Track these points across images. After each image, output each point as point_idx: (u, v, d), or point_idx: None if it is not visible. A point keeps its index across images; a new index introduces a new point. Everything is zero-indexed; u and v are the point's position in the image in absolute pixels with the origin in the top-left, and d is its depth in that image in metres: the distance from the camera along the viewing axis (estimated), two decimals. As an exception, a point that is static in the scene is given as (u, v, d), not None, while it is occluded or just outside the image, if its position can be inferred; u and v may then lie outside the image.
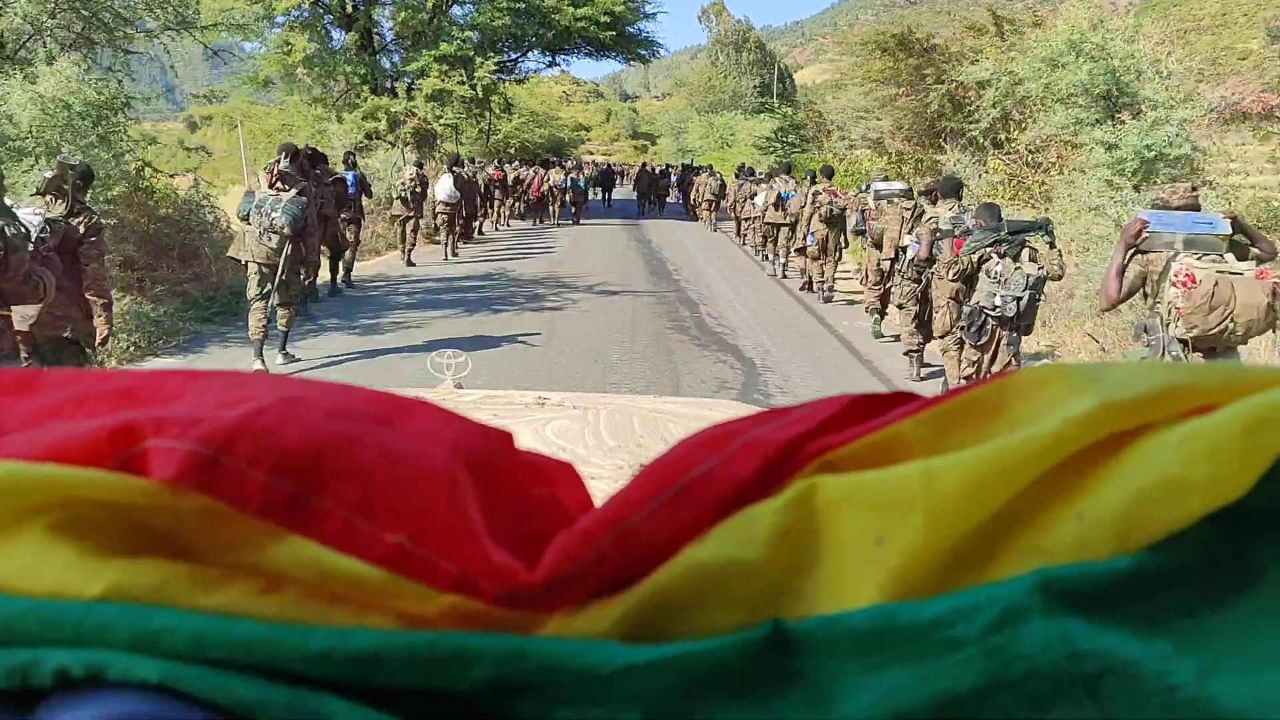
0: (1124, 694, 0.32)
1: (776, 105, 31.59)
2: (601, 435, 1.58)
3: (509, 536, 0.39)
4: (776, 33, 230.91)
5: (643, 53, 29.17)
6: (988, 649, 0.33)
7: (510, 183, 24.30)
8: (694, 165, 35.64)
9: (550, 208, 25.72)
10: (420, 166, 15.48)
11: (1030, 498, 0.36)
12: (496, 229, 22.83)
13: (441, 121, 23.89)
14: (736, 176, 20.82)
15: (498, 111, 31.02)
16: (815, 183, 11.98)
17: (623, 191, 43.77)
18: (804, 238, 11.86)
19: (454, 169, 16.76)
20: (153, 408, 0.40)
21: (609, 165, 40.18)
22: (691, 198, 28.96)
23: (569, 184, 25.47)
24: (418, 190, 14.15)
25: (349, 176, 11.41)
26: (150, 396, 0.42)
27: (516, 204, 25.63)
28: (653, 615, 0.36)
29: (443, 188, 16.29)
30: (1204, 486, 0.33)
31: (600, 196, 35.57)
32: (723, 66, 69.74)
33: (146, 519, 0.37)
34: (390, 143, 23.81)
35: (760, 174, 21.09)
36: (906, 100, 18.43)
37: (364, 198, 12.11)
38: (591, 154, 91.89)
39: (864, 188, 10.20)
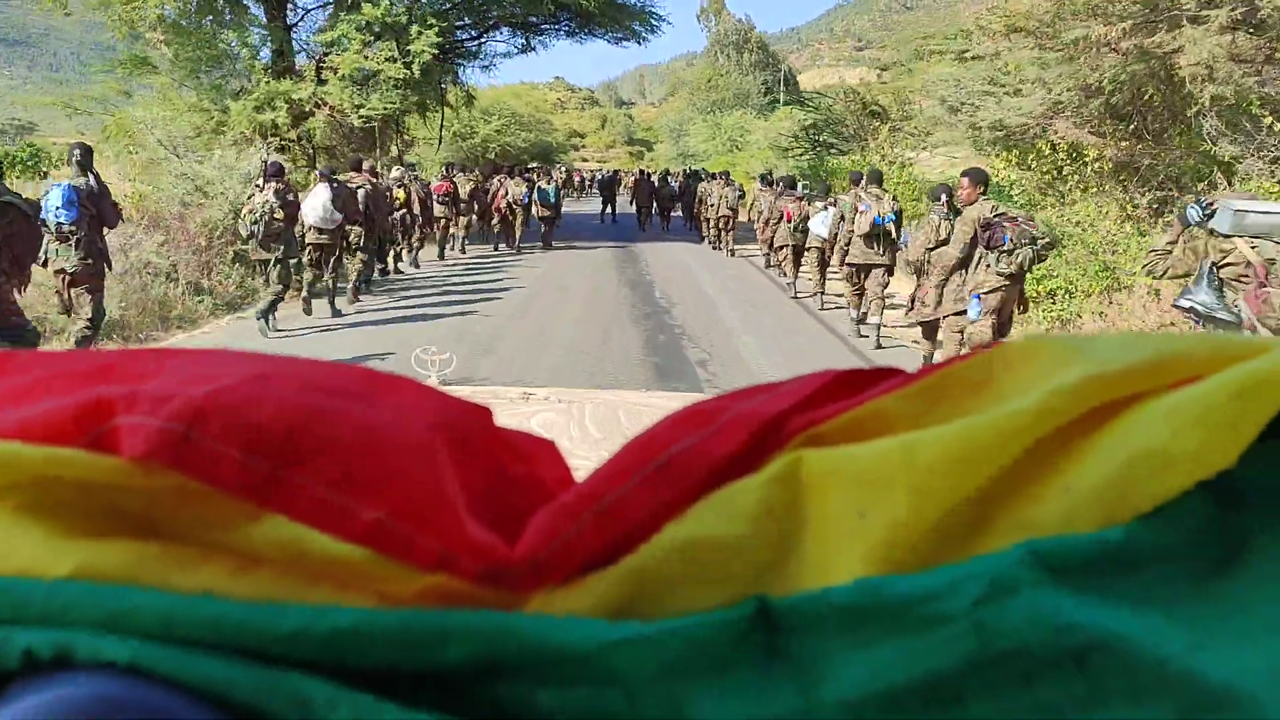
0: (1113, 667, 0.31)
1: (809, 98, 24.83)
2: (587, 427, 1.59)
3: (489, 513, 0.38)
4: (772, 39, 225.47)
5: (637, 27, 22.28)
6: (975, 623, 0.32)
7: (468, 196, 17.59)
8: (697, 171, 28.81)
9: (513, 229, 19.13)
10: (280, 179, 8.87)
11: (1016, 471, 0.35)
12: (444, 256, 16.67)
13: (364, 112, 16.99)
14: (762, 187, 16.24)
15: (455, 104, 24.35)
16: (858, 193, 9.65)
17: (621, 202, 37.39)
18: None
19: (331, 180, 10.33)
20: (123, 385, 0.38)
21: (614, 173, 33.11)
22: (698, 211, 22.40)
23: (532, 197, 18.89)
24: (277, 219, 8.92)
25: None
26: (120, 375, 0.40)
27: (480, 224, 19.37)
28: (635, 593, 0.35)
29: (311, 208, 9.64)
30: (1192, 456, 0.33)
31: (603, 210, 29.23)
32: (723, 67, 62.93)
33: (117, 498, 0.36)
34: (288, 142, 17.04)
35: (799, 187, 14.53)
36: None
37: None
38: (586, 160, 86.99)
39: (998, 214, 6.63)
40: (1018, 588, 0.32)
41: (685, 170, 32.67)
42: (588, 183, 52.03)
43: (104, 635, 0.32)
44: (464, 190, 17.77)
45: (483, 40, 23.54)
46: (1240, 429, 0.33)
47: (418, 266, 14.92)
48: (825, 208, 11.44)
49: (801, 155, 26.17)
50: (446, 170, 17.71)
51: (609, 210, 29.23)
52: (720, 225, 19.40)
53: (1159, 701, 0.31)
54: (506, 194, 19.11)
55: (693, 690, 0.33)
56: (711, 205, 20.08)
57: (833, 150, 24.51)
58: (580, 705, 0.33)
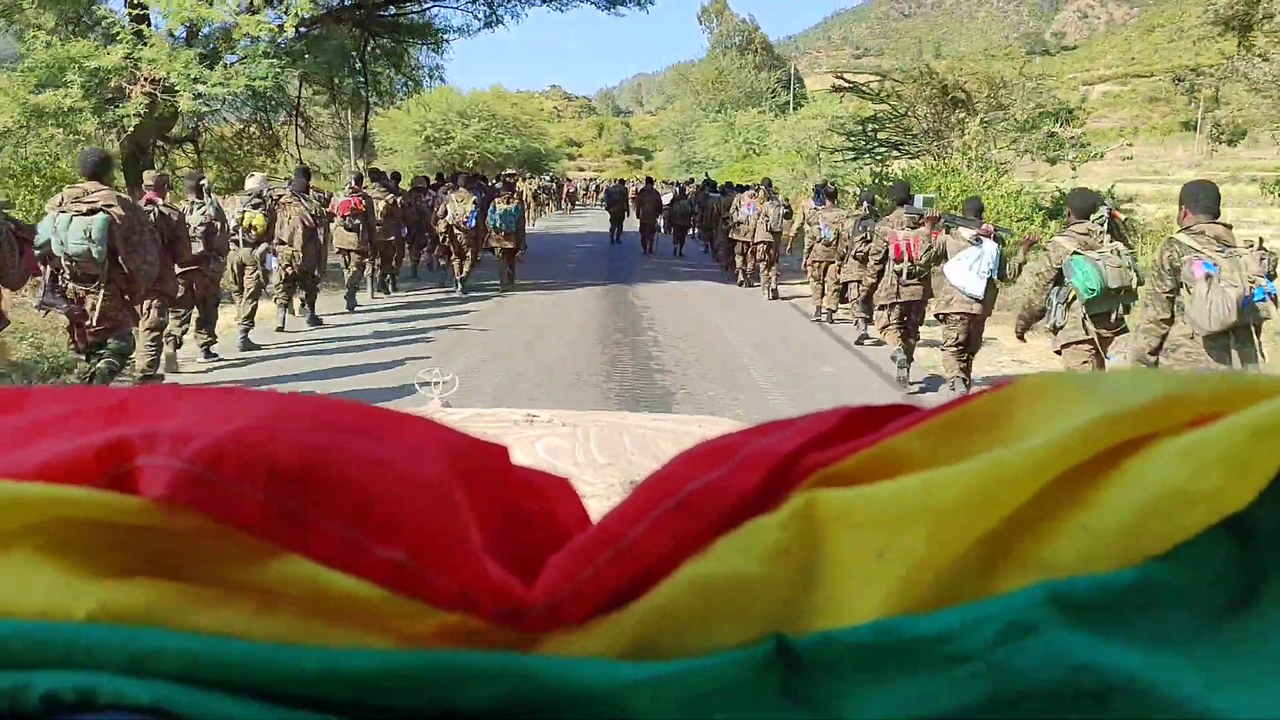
0: (1132, 708, 0.31)
1: (864, 85, 18.40)
2: (592, 452, 1.51)
3: (505, 551, 0.37)
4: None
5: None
6: (992, 663, 0.32)
7: (384, 215, 11.58)
8: (712, 182, 22.36)
9: (458, 261, 12.92)
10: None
11: (1032, 510, 0.35)
12: (354, 304, 11.30)
13: (205, 90, 10.57)
14: (818, 203, 11.46)
15: (389, 90, 18.03)
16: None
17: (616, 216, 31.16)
18: None
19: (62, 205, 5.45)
20: (142, 424, 0.38)
21: (620, 183, 26.46)
22: (720, 234, 16.21)
23: (481, 221, 12.97)
24: None
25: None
26: (139, 413, 0.40)
27: (421, 254, 14.18)
28: (653, 632, 0.35)
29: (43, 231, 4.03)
30: (1211, 495, 0.33)
31: (611, 229, 23.09)
32: (729, 68, 56.51)
33: (137, 538, 0.35)
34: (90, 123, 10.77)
35: (922, 202, 8.35)
36: None
37: None
38: (582, 170, 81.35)
39: None
40: (1035, 628, 0.32)
41: (702, 180, 26.33)
42: (582, 194, 45.48)
43: (127, 677, 0.31)
44: (381, 208, 11.57)
45: (429, 6, 17.13)
46: (1260, 468, 0.33)
47: (318, 322, 10.00)
48: (977, 241, 6.50)
49: (853, 158, 19.69)
50: (355, 183, 11.38)
51: (617, 230, 23.22)
52: (757, 255, 13.50)
53: None
54: (446, 214, 12.85)
55: None
56: (741, 226, 14.17)
57: (899, 150, 18.11)
58: None
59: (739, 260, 14.53)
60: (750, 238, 13.71)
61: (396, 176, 13.80)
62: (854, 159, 19.58)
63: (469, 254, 13.25)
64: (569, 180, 43.12)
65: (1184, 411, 0.34)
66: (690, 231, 20.75)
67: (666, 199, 22.02)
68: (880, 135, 18.56)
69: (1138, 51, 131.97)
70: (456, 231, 13.30)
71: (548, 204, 33.83)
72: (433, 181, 16.48)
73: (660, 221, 21.49)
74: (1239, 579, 0.34)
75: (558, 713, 0.32)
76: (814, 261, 11.37)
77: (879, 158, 18.65)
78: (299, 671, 0.32)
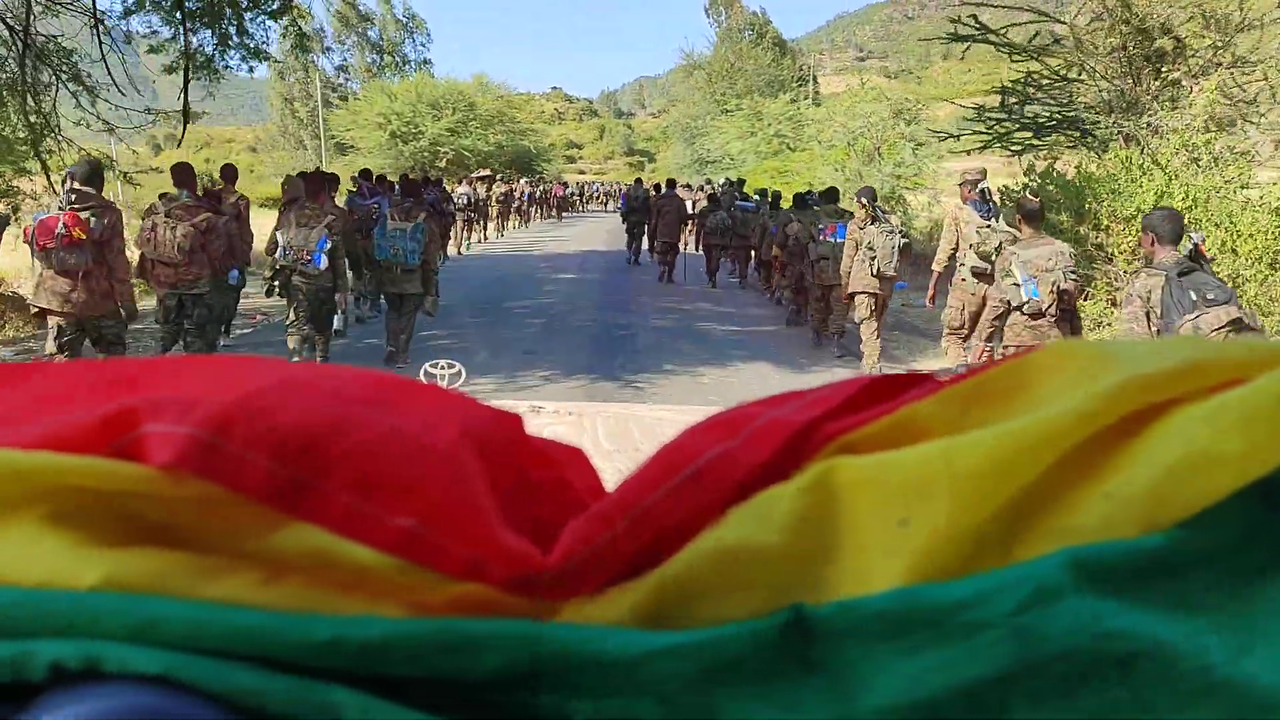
0: (1156, 675, 0.30)
1: (997, 33, 11.86)
2: (599, 440, 1.47)
3: (520, 520, 0.36)
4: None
5: None
6: (1016, 630, 0.31)
7: (97, 240, 5.60)
8: (737, 182, 15.62)
9: (294, 327, 6.54)
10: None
11: (1055, 476, 0.34)
12: None
13: None
14: (984, 210, 6.70)
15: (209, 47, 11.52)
16: None
17: (606, 230, 24.36)
18: None
19: None
20: (148, 393, 0.37)
21: (640, 185, 18.31)
22: (773, 261, 11.15)
23: (332, 255, 6.90)
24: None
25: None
26: (146, 383, 0.39)
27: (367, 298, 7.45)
28: (670, 602, 0.34)
29: None
30: (1237, 459, 0.32)
31: (629, 244, 16.65)
32: (742, 59, 49.62)
33: (144, 507, 0.35)
34: None
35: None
36: None
37: None
38: (583, 173, 75.32)
39: None
40: (1059, 594, 0.31)
41: (721, 184, 19.50)
42: (577, 199, 38.57)
43: (132, 646, 0.31)
44: (177, 236, 6.79)
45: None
46: None
47: None
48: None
49: (980, 147, 12.82)
50: (71, 184, 4.73)
51: (637, 245, 16.84)
52: (859, 312, 8.33)
53: (1204, 708, 0.30)
54: (277, 248, 6.34)
55: (728, 700, 0.31)
56: (824, 264, 9.05)
57: (1064, 133, 11.24)
58: (614, 715, 0.32)
59: (814, 311, 9.30)
60: (833, 280, 8.70)
61: (368, 175, 10.77)
62: (982, 148, 12.71)
63: (320, 312, 7.23)
64: (558, 183, 36.14)
65: (1207, 377, 0.33)
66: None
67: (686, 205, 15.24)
68: (1031, 110, 11.71)
69: None
70: (296, 278, 6.80)
71: (518, 213, 26.91)
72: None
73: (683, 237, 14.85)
74: (1266, 544, 0.33)
75: (573, 682, 0.31)
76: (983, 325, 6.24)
77: (1018, 146, 11.81)
78: (308, 640, 0.31)
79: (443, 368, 2.30)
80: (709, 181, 25.58)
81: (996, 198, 7.32)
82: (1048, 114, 11.62)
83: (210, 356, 0.41)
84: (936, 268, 7.05)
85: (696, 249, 15.27)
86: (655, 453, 0.38)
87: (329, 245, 7.19)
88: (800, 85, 43.62)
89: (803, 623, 0.32)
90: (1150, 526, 0.32)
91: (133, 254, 6.90)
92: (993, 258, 6.68)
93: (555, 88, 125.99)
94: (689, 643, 0.32)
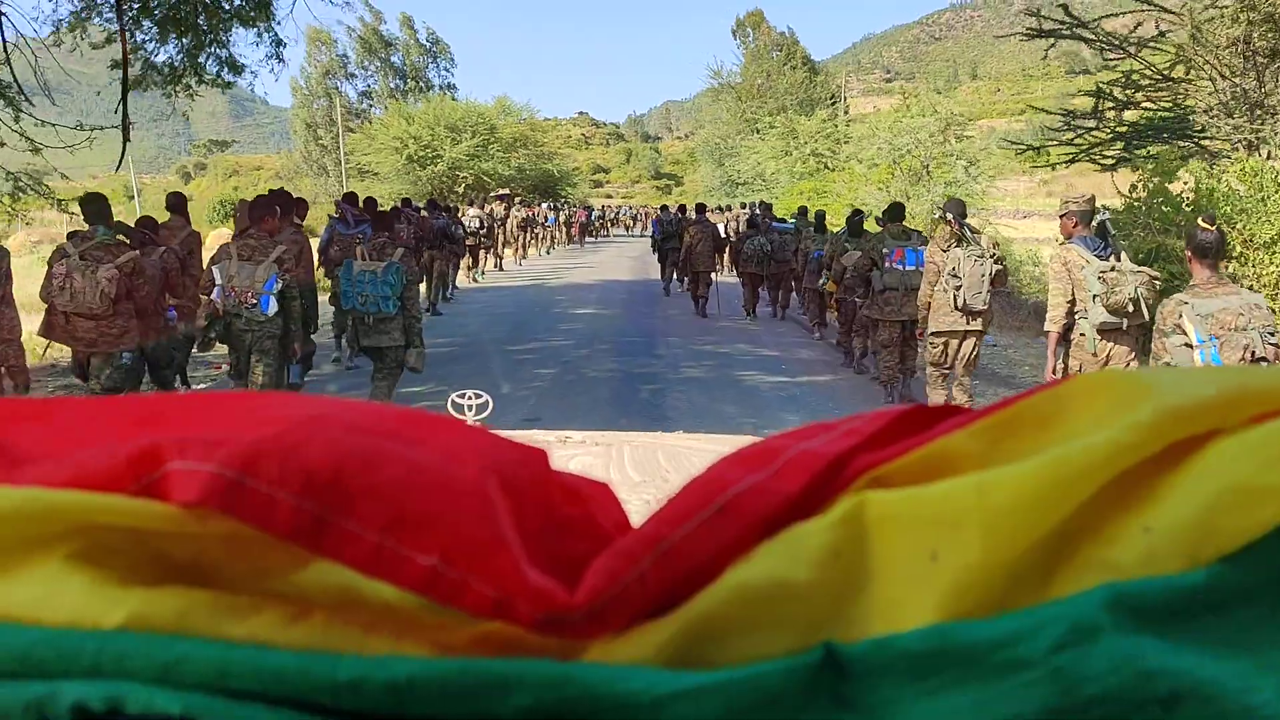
0: (1201, 715, 0.30)
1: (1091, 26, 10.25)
2: (626, 470, 1.45)
3: (545, 557, 0.36)
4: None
5: None
6: (1054, 669, 0.30)
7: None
8: (765, 207, 13.94)
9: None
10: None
11: (1092, 510, 0.33)
12: None
13: None
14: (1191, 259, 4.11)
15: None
16: None
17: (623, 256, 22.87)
18: None
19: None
20: (174, 431, 0.36)
21: (667, 210, 17.06)
22: (843, 306, 8.98)
23: (281, 300, 5.38)
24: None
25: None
26: (171, 420, 0.39)
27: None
28: (698, 640, 0.33)
29: None
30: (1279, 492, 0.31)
31: (663, 271, 15.64)
32: (770, 80, 48.03)
33: (169, 545, 0.35)
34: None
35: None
36: None
37: None
38: (610, 197, 74.01)
39: None
40: (1099, 632, 0.30)
41: (750, 207, 17.83)
42: (599, 224, 37.06)
43: (156, 687, 0.31)
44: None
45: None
46: None
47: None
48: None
49: (1068, 161, 11.02)
50: None
51: (672, 273, 15.30)
52: (943, 357, 6.64)
53: None
54: (214, 287, 4.62)
55: None
56: (889, 295, 7.51)
57: (1176, 145, 9.42)
58: None
59: (882, 357, 7.73)
60: (902, 315, 7.30)
61: (353, 199, 8.91)
62: (1070, 161, 10.90)
63: (272, 366, 5.69)
64: (581, 208, 34.55)
65: (1246, 407, 0.32)
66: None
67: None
68: (1130, 116, 9.91)
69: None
70: (239, 324, 5.33)
71: (540, 239, 25.38)
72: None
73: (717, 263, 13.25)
74: None
75: None
76: None
77: (1110, 159, 10.01)
78: (332, 680, 0.31)
79: (470, 398, 2.21)
80: (743, 205, 24.02)
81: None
82: (1147, 120, 9.83)
83: (235, 393, 0.38)
84: (1052, 327, 5.17)
85: (732, 273, 13.67)
86: (683, 486, 0.37)
87: (278, 285, 5.63)
88: (833, 104, 41.88)
89: (834, 661, 0.31)
90: (1192, 562, 0.31)
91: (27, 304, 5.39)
92: (1128, 309, 4.97)
93: (582, 112, 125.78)
94: (718, 682, 0.31)
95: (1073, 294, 5.20)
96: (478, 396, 2.22)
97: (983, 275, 6.58)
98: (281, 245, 5.83)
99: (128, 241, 5.73)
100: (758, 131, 33.57)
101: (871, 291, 7.72)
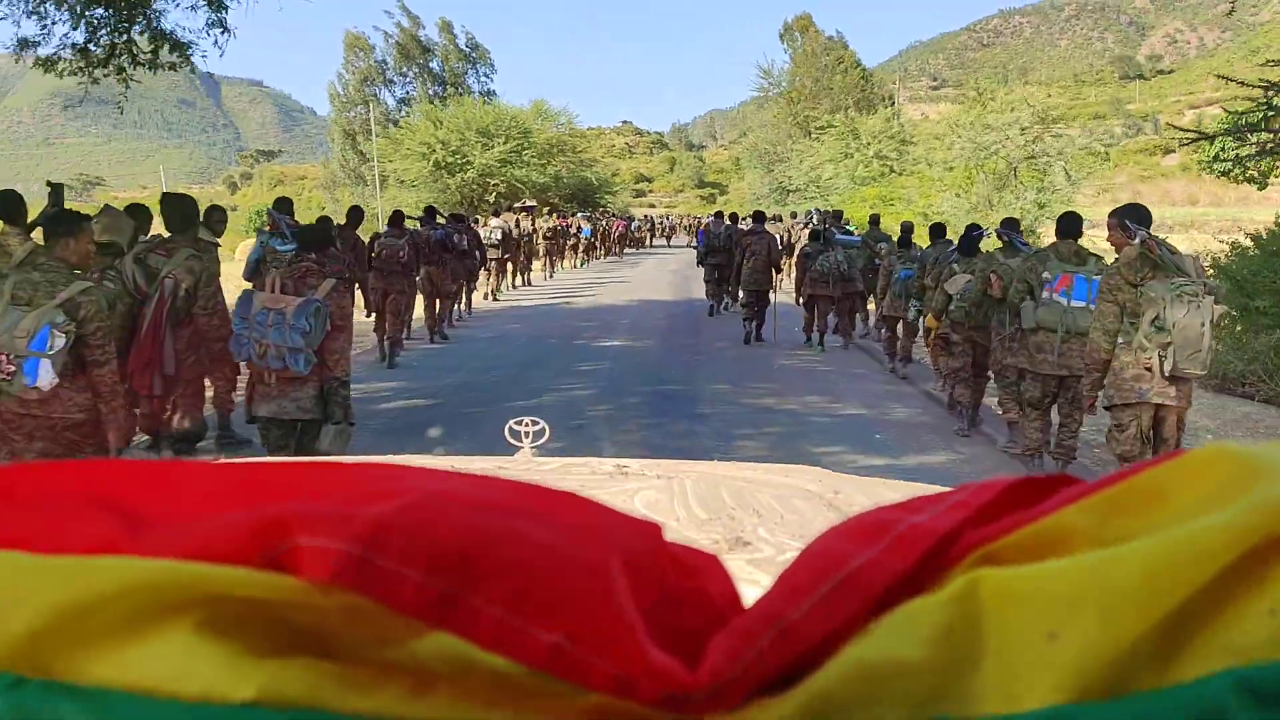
0: None
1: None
2: (691, 506, 1.37)
3: (663, 634, 0.36)
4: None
5: None
6: None
7: None
8: (832, 216, 11.42)
9: None
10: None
11: (1214, 592, 0.32)
12: None
13: None
14: None
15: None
16: None
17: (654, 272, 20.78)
18: None
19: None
20: (299, 502, 0.37)
21: (719, 219, 13.72)
22: (956, 349, 6.56)
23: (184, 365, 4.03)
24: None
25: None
26: (294, 490, 0.39)
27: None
28: (815, 717, 0.33)
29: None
30: None
31: (711, 288, 13.62)
32: (821, 84, 45.24)
33: (294, 616, 0.35)
34: None
35: None
36: None
37: None
38: (654, 206, 72.02)
39: None
40: (1225, 717, 0.30)
41: (809, 215, 15.36)
42: (638, 233, 34.66)
43: None
44: None
45: None
46: None
47: None
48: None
49: (1254, 156, 8.43)
50: None
51: (721, 292, 13.29)
52: (1130, 431, 4.34)
53: None
54: None
55: None
56: (1030, 331, 5.24)
57: None
58: None
59: (1026, 422, 5.57)
60: (1061, 368, 5.25)
61: (286, 206, 6.78)
62: (1256, 158, 8.26)
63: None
64: (620, 218, 32.02)
65: None
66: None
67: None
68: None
69: (1241, 74, 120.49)
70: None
71: (574, 250, 23.05)
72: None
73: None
74: None
75: None
76: None
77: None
78: None
79: (528, 425, 2.15)
80: (794, 214, 21.42)
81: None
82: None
83: (359, 464, 0.41)
84: None
85: (797, 300, 11.25)
86: (798, 559, 0.37)
87: (57, 342, 3.34)
88: (890, 107, 39.04)
89: None
90: None
91: None
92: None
93: (626, 121, 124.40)
94: None
95: None
96: (535, 424, 2.14)
97: (1202, 325, 4.19)
98: (79, 275, 3.53)
99: None
100: (810, 134, 30.84)
101: (1019, 331, 5.27)
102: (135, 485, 0.40)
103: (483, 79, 47.90)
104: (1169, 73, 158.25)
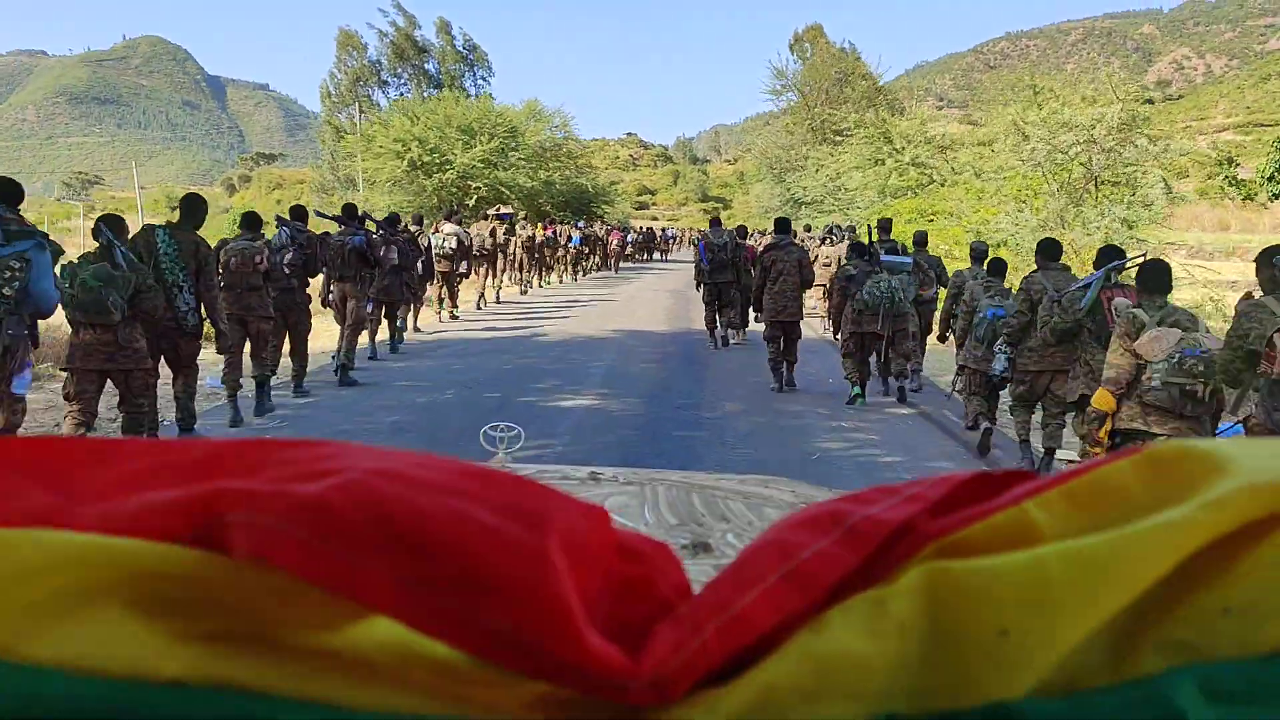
0: None
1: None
2: (662, 512, 1.32)
3: (606, 620, 0.35)
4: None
5: None
6: None
7: None
8: (884, 223, 8.12)
9: None
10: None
11: (1166, 589, 0.32)
12: None
13: None
14: None
15: None
16: None
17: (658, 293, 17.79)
18: None
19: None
20: (233, 479, 0.36)
21: (721, 230, 11.13)
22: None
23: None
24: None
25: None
26: (230, 467, 0.38)
27: None
28: (760, 709, 0.32)
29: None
30: None
31: (708, 312, 10.57)
32: (832, 98, 42.24)
33: (225, 596, 0.34)
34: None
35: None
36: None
37: None
38: (656, 219, 69.19)
39: None
40: (1183, 716, 0.29)
41: (835, 230, 12.24)
42: (643, 245, 31.53)
43: None
44: None
45: None
46: None
47: None
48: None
49: None
50: None
51: (721, 317, 10.64)
52: None
53: None
54: None
55: None
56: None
57: None
58: None
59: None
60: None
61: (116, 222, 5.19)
62: None
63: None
64: (616, 229, 28.84)
65: None
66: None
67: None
68: None
69: (1252, 100, 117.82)
70: None
71: (561, 263, 20.04)
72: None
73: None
74: None
75: None
76: None
77: None
78: None
79: (502, 430, 2.08)
80: (807, 229, 18.31)
81: None
82: None
83: (298, 441, 0.39)
84: None
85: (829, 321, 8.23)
86: (747, 549, 0.36)
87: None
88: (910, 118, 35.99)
89: None
90: (1277, 644, 0.30)
91: None
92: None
93: (630, 133, 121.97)
94: None
95: None
96: (509, 429, 2.08)
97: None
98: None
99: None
100: (827, 140, 27.67)
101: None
102: (71, 462, 0.39)
103: (480, 83, 45.06)
104: (1177, 98, 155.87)
